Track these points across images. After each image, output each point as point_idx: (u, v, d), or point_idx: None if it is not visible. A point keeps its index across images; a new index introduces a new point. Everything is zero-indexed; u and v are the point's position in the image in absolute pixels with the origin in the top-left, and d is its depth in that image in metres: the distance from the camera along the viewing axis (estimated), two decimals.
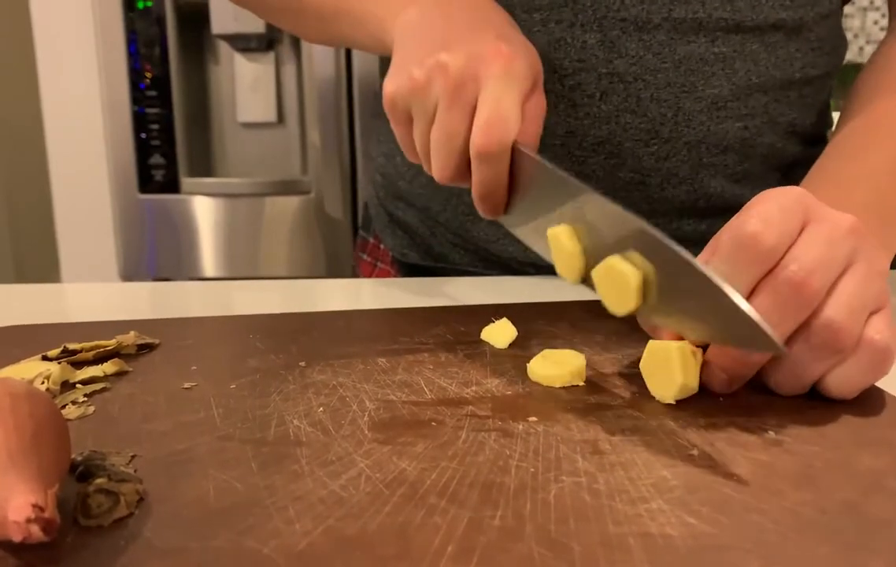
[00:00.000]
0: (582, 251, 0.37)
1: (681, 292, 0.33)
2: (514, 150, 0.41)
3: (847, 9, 1.55)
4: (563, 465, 0.29)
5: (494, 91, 0.40)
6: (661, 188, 0.59)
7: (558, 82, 0.56)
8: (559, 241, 0.38)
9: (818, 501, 0.27)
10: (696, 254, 0.66)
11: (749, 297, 0.34)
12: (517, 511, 0.26)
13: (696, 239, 0.61)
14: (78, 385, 0.36)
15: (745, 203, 0.36)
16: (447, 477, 0.28)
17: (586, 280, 0.38)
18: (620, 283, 0.34)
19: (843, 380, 0.35)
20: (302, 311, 0.51)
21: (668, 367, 0.35)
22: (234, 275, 1.70)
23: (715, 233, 0.37)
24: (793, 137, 0.62)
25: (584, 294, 0.53)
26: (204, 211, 1.67)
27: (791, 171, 0.63)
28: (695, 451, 0.30)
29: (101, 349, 0.40)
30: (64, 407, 0.33)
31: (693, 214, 0.61)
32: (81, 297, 0.62)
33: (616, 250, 0.35)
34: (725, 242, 0.35)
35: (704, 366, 0.36)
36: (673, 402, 0.35)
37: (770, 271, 0.34)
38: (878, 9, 2.13)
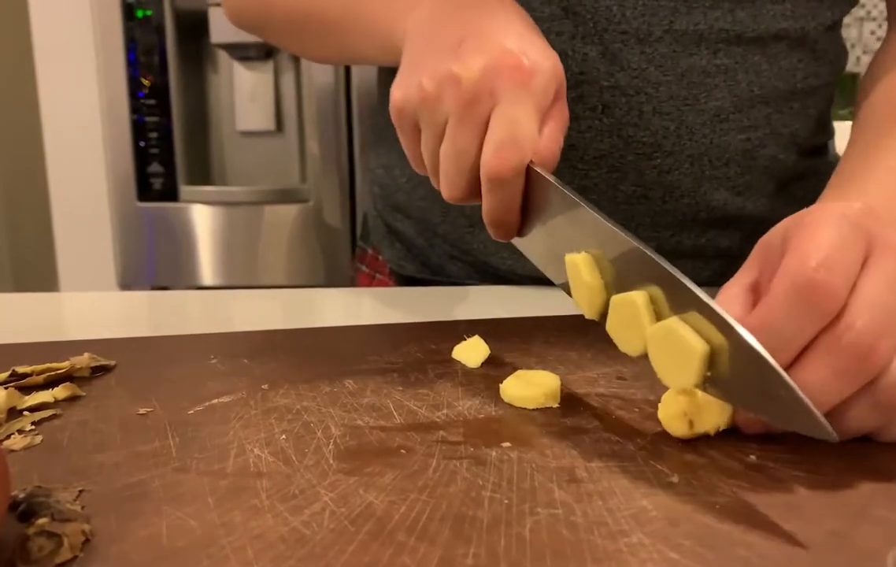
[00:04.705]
0: (603, 286, 0.34)
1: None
2: (529, 171, 0.38)
3: (844, 19, 1.55)
4: (539, 495, 0.28)
5: (509, 109, 0.37)
6: (663, 201, 0.58)
7: None
8: (578, 271, 0.35)
9: (804, 532, 0.25)
10: (693, 266, 0.63)
11: (802, 354, 0.30)
12: (491, 548, 0.24)
13: (696, 252, 0.60)
14: (25, 412, 0.34)
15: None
16: (417, 511, 0.26)
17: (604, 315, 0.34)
18: (638, 326, 0.31)
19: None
20: (299, 319, 0.49)
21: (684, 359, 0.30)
22: (232, 283, 1.69)
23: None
24: (794, 148, 0.61)
25: (559, 309, 0.51)
26: (203, 219, 1.67)
27: (791, 183, 0.62)
28: (675, 478, 0.29)
29: (53, 372, 0.38)
30: (9, 437, 0.32)
31: (694, 227, 0.59)
32: (79, 305, 0.61)
33: (637, 286, 0.32)
34: (782, 293, 0.29)
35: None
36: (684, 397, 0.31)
37: (830, 324, 0.29)
38: (875, 19, 2.15)
